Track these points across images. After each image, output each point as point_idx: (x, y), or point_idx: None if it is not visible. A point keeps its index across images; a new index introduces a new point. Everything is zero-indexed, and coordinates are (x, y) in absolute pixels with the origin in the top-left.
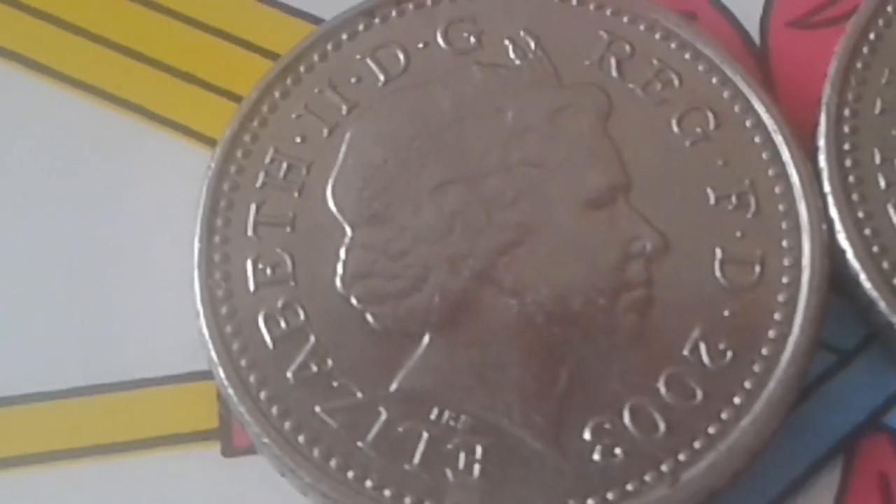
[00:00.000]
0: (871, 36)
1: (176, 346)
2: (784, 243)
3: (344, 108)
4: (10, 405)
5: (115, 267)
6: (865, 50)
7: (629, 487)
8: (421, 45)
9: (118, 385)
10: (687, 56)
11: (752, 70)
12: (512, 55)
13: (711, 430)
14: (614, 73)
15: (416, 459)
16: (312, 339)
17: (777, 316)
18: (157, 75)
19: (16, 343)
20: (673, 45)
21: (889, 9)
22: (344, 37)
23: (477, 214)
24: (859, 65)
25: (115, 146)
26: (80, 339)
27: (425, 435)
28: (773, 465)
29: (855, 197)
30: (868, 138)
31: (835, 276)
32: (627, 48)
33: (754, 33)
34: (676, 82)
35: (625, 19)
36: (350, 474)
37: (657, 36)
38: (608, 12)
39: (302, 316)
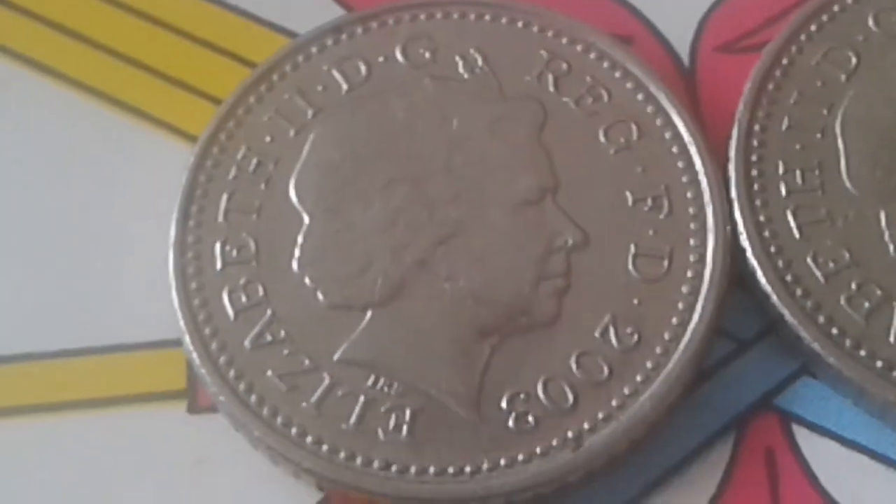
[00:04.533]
0: (784, 61)
1: (152, 315)
2: (691, 241)
3: (310, 113)
4: (8, 363)
5: (102, 245)
6: (778, 73)
7: (538, 450)
8: (381, 59)
9: (100, 349)
10: (617, 74)
11: (680, 89)
12: (461, 70)
13: (614, 403)
14: (551, 88)
15: (353, 420)
16: (269, 312)
17: (680, 305)
18: (148, 79)
19: (11, 309)
20: (605, 65)
21: (802, 37)
22: (314, 50)
23: (419, 210)
24: (771, 86)
25: (110, 140)
26: (68, 307)
27: (362, 399)
28: (673, 437)
29: (758, 202)
30: (774, 151)
31: (737, 273)
32: (564, 66)
33: (685, 56)
34: (606, 97)
35: (564, 41)
36: (293, 430)
37: (592, 56)
38: (550, 34)
39: (261, 292)
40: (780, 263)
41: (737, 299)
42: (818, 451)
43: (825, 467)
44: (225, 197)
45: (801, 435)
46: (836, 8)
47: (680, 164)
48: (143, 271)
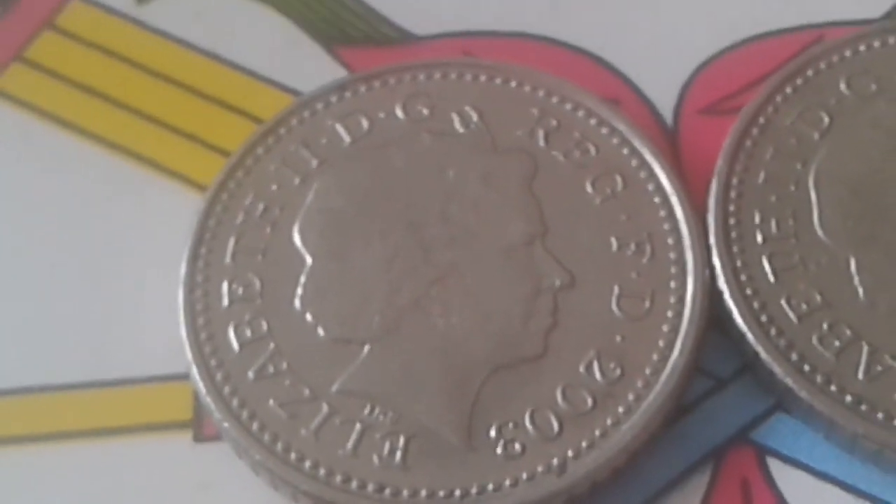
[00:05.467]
0: (761, 120)
1: (161, 350)
2: (672, 284)
3: (314, 163)
4: (19, 394)
5: (115, 284)
6: (755, 131)
7: (524, 475)
8: (382, 115)
9: (111, 381)
10: (604, 131)
11: (663, 146)
12: (457, 125)
13: (597, 433)
14: (541, 143)
15: (349, 445)
16: (272, 345)
17: (661, 343)
18: (163, 133)
19: (28, 343)
20: (593, 122)
21: (778, 99)
22: (319, 106)
23: (415, 253)
24: (749, 143)
25: (125, 189)
26: (81, 343)
27: (358, 426)
28: (652, 467)
29: (735, 248)
30: (751, 202)
31: (715, 315)
32: (554, 122)
33: (668, 117)
34: (593, 151)
35: (554, 100)
36: (292, 455)
37: (580, 114)
38: (541, 94)
39: (265, 327)
40: (756, 305)
41: (715, 340)
42: (791, 483)
43: (798, 498)
44: (233, 240)
45: (776, 467)
46: (809, 72)
47: (662, 213)
48: (153, 309)
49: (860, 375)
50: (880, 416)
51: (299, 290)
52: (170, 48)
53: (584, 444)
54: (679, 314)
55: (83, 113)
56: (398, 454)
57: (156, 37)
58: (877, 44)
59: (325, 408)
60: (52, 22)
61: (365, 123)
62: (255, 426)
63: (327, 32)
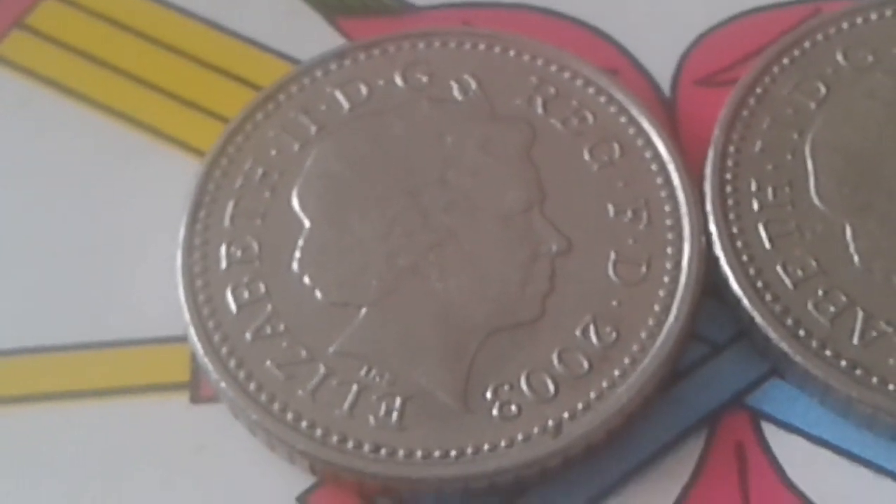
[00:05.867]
0: (758, 90)
1: (159, 313)
2: (668, 250)
3: (313, 129)
4: (18, 355)
5: (114, 247)
6: (752, 101)
7: (519, 436)
8: (382, 82)
9: (109, 343)
10: (602, 99)
11: (661, 116)
12: (456, 93)
13: (593, 395)
14: (540, 111)
15: (346, 406)
16: (270, 307)
17: (656, 308)
18: (164, 100)
19: (26, 304)
20: (591, 91)
21: (775, 69)
22: (319, 73)
23: (414, 218)
24: (745, 112)
25: (127, 155)
26: (80, 304)
27: (355, 387)
28: (647, 430)
29: (731, 216)
30: (747, 170)
31: (711, 281)
32: (552, 90)
33: (665, 88)
34: (591, 119)
35: (552, 68)
36: (289, 415)
37: (578, 83)
38: (539, 62)
39: (263, 289)
40: (752, 271)
41: (711, 306)
42: (786, 447)
43: (792, 461)
44: (231, 203)
45: (770, 431)
46: (806, 44)
47: (659, 181)
48: (152, 272)
49: (855, 341)
50: (874, 380)
51: (297, 254)
52: (171, 16)
53: (579, 406)
54: (675, 280)
55: (83, 80)
56: (394, 415)
57: (157, 5)
58: (874, 16)
59: (322, 369)
60: None
61: (364, 90)
62: (252, 386)
63: (328, 2)
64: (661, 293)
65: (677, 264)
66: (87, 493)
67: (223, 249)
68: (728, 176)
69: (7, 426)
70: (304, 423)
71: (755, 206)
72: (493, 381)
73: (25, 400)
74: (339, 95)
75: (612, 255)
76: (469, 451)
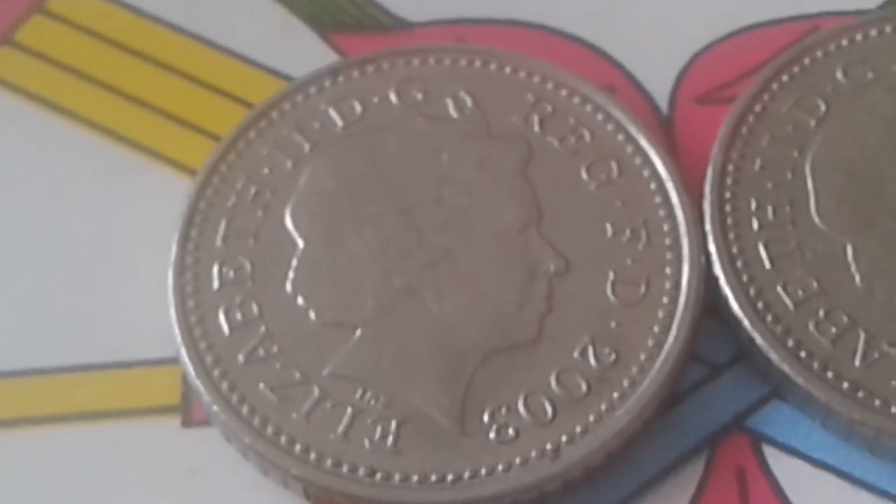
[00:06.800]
0: (758, 108)
1: (150, 334)
2: (667, 270)
3: (306, 147)
4: (7, 377)
5: (105, 268)
6: (751, 119)
7: (517, 460)
8: (376, 100)
9: (99, 365)
10: (599, 117)
11: (659, 134)
12: (452, 110)
13: (591, 418)
14: (536, 128)
15: (340, 429)
16: (263, 328)
17: (656, 328)
18: (156, 118)
19: (18, 326)
20: (588, 108)
21: (774, 86)
22: (312, 90)
23: (409, 237)
24: (745, 130)
25: (118, 173)
26: (73, 325)
27: (349, 410)
28: (647, 453)
29: (731, 235)
30: (747, 189)
31: (711, 302)
32: (549, 108)
33: (663, 106)
34: (588, 137)
35: (549, 86)
36: (283, 439)
37: (575, 100)
38: (536, 80)
39: (256, 310)
40: (752, 291)
41: (711, 326)
42: (787, 470)
43: (794, 486)
44: (224, 222)
45: (771, 454)
46: (806, 61)
47: (657, 200)
48: (142, 292)
49: (857, 362)
50: (877, 402)
51: (291, 274)
52: (163, 33)
53: (578, 429)
54: (674, 300)
55: (73, 97)
56: (390, 438)
57: (148, 21)
58: (873, 32)
59: (316, 391)
60: (42, 5)
61: (358, 108)
62: (244, 410)
63: (321, 19)
64: (661, 314)
65: (676, 284)
66: None
67: (215, 269)
68: (727, 195)
69: None
70: (297, 447)
71: (755, 225)
72: (490, 403)
73: (15, 424)
74: (333, 113)
75: (611, 276)
76: (466, 475)
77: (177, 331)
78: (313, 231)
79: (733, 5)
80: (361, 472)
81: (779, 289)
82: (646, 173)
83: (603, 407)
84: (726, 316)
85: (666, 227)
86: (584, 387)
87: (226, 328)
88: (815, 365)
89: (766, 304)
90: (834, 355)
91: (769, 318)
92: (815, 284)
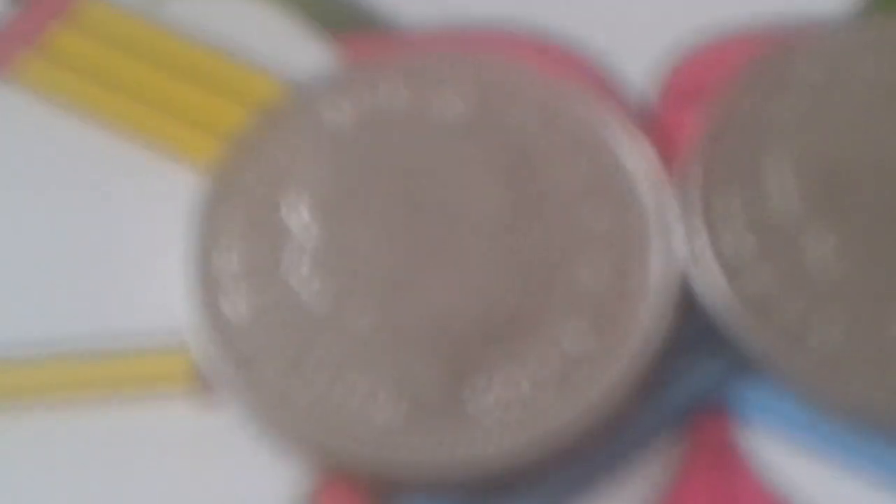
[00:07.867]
0: (740, 104)
1: (162, 325)
2: (651, 259)
3: (310, 146)
4: (29, 361)
5: (118, 259)
6: (734, 115)
7: (505, 441)
8: (377, 100)
9: (113, 352)
10: (586, 114)
11: (644, 130)
12: (452, 110)
13: (574, 400)
14: (530, 127)
15: (345, 411)
16: (270, 318)
17: (639, 314)
18: (163, 118)
19: (31, 312)
20: (576, 106)
21: (754, 83)
22: (314, 90)
23: (409, 234)
24: (727, 126)
25: (128, 171)
26: (83, 315)
27: (353, 393)
28: (627, 434)
29: (713, 226)
30: (729, 184)
31: (692, 290)
32: (541, 107)
33: (648, 102)
34: (576, 134)
35: (541, 85)
36: (292, 421)
37: (566, 99)
38: (529, 79)
39: (263, 300)
40: (733, 279)
41: (692, 312)
42: (766, 449)
43: (772, 463)
44: (231, 217)
45: (751, 433)
46: (786, 59)
47: (641, 193)
48: (153, 285)
49: (838, 343)
50: (857, 381)
51: (296, 265)
52: (168, 34)
53: (561, 410)
54: (658, 288)
55: (81, 95)
56: (390, 418)
57: (155, 23)
58: (851, 31)
59: (321, 376)
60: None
61: (360, 107)
62: (255, 394)
63: (324, 20)
64: (644, 301)
65: (660, 273)
66: (87, 501)
67: (222, 262)
68: (710, 189)
69: (7, 432)
70: (306, 428)
71: (737, 218)
72: (481, 385)
73: (23, 407)
74: (336, 112)
75: (598, 265)
76: (457, 454)
77: (187, 322)
78: (318, 225)
79: (714, 7)
80: (368, 450)
81: (760, 277)
82: (630, 168)
83: (585, 388)
84: (708, 304)
85: (651, 220)
86: (568, 370)
87: (234, 318)
88: (796, 346)
89: (746, 290)
90: (815, 336)
91: (750, 304)
92: (796, 273)
